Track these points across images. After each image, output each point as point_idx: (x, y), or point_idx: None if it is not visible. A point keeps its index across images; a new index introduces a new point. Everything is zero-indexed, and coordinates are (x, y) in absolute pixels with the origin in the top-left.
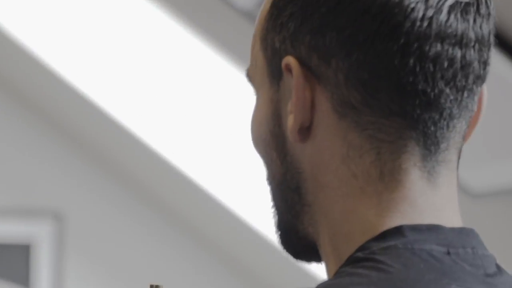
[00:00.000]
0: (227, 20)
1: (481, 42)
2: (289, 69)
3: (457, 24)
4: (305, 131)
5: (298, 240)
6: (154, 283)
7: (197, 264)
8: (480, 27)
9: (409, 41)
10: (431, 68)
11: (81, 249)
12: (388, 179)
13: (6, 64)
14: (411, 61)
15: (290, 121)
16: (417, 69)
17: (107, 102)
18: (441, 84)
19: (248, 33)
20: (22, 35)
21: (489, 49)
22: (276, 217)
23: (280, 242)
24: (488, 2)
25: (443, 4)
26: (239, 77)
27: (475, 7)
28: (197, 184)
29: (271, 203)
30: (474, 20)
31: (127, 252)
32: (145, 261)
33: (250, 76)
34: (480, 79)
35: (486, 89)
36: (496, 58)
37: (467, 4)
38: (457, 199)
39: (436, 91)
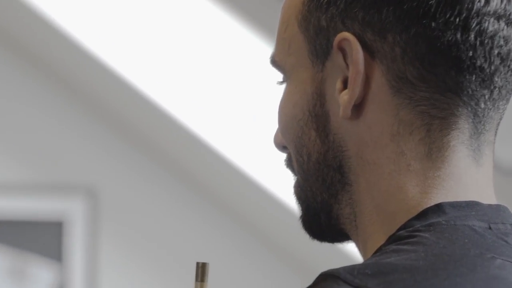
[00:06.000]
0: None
1: None
2: (341, 46)
3: (510, 6)
4: (357, 107)
5: (329, 220)
6: (200, 261)
7: (232, 239)
8: None
9: (470, 15)
10: (490, 44)
11: (114, 225)
12: (435, 155)
13: (51, 51)
14: (472, 35)
15: (345, 97)
16: (477, 44)
17: (141, 81)
18: (497, 61)
19: None
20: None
21: None
22: (306, 197)
23: (304, 222)
24: None
25: None
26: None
27: None
28: (233, 164)
29: (296, 185)
30: None
31: (161, 228)
32: (179, 236)
33: (277, 61)
34: None
35: None
36: None
37: None
38: (492, 180)
39: (493, 68)
